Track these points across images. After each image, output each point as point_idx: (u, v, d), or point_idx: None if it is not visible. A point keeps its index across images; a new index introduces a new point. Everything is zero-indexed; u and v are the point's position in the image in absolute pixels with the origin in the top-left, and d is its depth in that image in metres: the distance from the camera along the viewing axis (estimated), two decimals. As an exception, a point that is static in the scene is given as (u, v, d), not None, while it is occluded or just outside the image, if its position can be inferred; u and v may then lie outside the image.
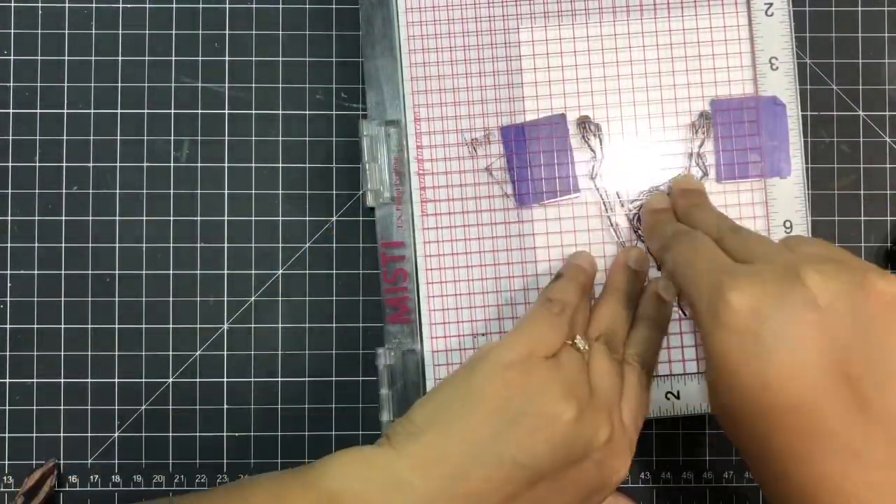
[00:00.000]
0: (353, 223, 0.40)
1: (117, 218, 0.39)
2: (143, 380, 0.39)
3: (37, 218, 0.39)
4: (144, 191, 0.39)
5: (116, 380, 0.39)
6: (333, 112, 0.40)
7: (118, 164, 0.39)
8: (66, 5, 0.39)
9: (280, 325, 0.39)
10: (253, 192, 0.39)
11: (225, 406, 0.39)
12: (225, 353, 0.39)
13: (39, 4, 0.39)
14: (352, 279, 0.39)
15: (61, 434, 0.39)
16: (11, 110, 0.39)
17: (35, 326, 0.39)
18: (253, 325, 0.39)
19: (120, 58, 0.39)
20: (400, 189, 0.38)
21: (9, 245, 0.39)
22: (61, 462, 0.39)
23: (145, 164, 0.39)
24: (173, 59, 0.39)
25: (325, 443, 0.39)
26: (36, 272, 0.39)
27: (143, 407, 0.39)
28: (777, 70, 0.39)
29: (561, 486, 0.30)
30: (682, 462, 0.39)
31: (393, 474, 0.28)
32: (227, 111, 0.39)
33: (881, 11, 0.40)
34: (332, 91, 0.40)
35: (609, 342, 0.33)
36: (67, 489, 0.39)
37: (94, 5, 0.39)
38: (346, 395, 0.39)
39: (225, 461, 0.39)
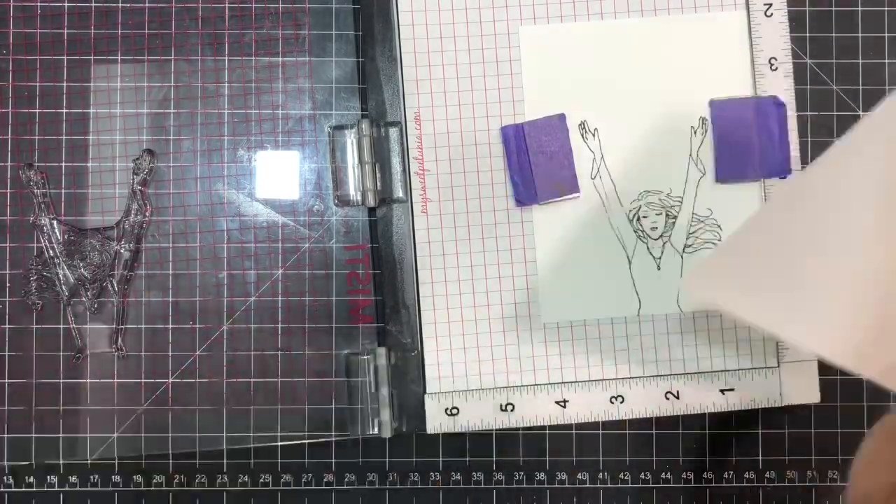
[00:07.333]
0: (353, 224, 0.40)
1: (116, 217, 0.39)
2: (143, 380, 0.39)
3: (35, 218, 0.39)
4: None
5: (115, 380, 0.39)
6: (334, 111, 0.40)
7: (116, 164, 0.39)
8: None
9: (280, 324, 0.39)
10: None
11: (224, 406, 0.39)
12: (225, 353, 0.39)
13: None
14: (352, 280, 0.39)
15: (61, 434, 0.39)
16: (10, 110, 0.39)
17: (34, 326, 0.39)
18: (252, 326, 0.39)
19: (119, 57, 0.39)
20: (402, 188, 0.38)
21: (8, 245, 0.39)
22: (61, 462, 0.39)
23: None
24: (172, 58, 0.39)
25: (324, 442, 0.39)
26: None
27: (143, 407, 0.39)
28: (776, 70, 0.39)
29: None
30: (682, 462, 0.39)
31: None
32: (226, 110, 0.39)
33: (881, 11, 0.40)
34: (332, 91, 0.39)
35: None
36: (67, 489, 0.39)
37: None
38: (345, 395, 0.39)
39: (225, 461, 0.39)
